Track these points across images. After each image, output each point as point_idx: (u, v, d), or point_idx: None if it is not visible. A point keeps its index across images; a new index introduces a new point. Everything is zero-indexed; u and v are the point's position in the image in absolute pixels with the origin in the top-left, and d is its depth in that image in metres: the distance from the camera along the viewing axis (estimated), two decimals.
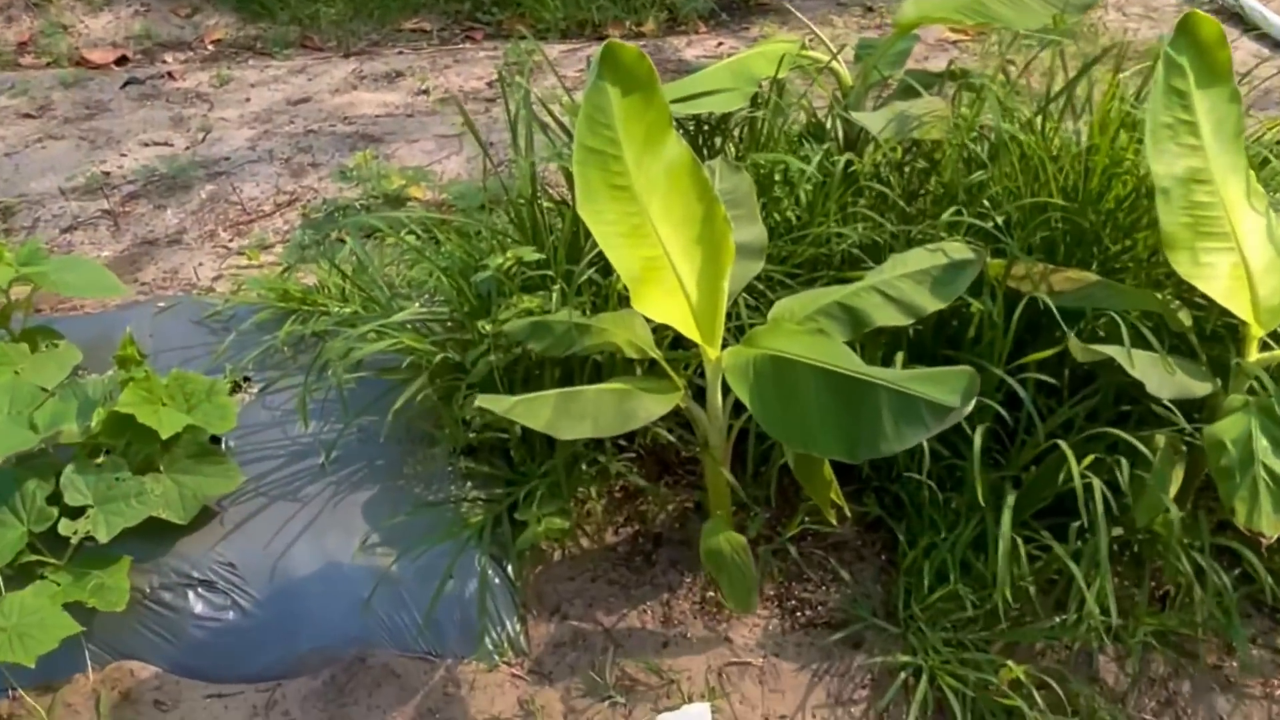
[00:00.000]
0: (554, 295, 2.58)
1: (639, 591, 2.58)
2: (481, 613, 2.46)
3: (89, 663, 2.46)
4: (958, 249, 2.37)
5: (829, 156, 2.76)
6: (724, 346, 2.18)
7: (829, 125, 3.09)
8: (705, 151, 3.07)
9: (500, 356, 2.56)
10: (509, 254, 2.61)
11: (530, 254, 2.62)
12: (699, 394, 2.38)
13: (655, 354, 2.30)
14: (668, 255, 2.13)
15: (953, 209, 2.55)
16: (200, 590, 2.53)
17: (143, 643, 2.48)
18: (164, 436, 2.49)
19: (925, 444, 2.26)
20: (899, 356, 2.36)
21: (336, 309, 3.19)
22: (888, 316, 2.23)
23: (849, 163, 2.70)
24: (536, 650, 2.47)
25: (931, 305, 2.26)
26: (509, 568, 2.58)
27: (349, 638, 2.47)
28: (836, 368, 1.92)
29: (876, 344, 2.44)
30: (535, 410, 2.01)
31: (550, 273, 2.65)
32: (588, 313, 2.61)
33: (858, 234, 2.60)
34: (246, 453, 2.84)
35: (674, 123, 2.17)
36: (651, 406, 2.12)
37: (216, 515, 2.66)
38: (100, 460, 2.54)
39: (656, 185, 2.14)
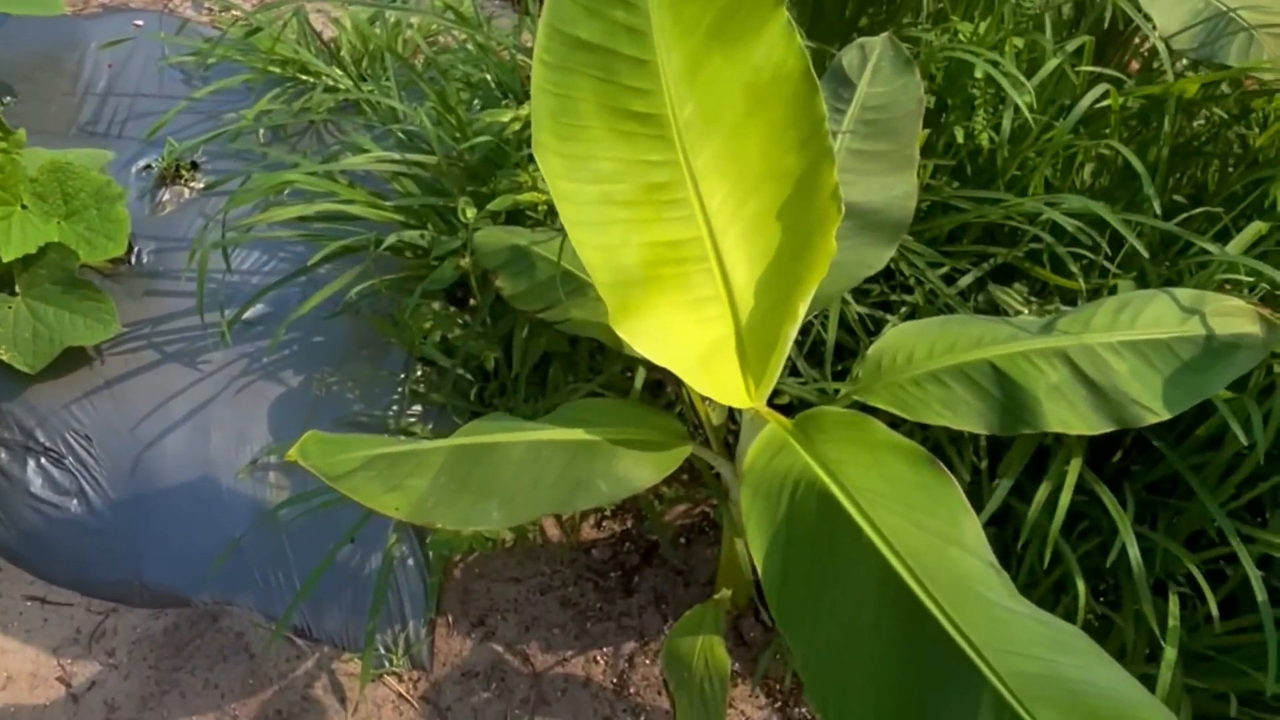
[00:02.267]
0: None
1: (599, 628, 1.84)
2: (378, 602, 1.78)
3: None
4: (1235, 310, 1.35)
5: (1074, 61, 1.67)
6: (774, 397, 1.29)
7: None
8: (844, 13, 1.94)
9: (475, 262, 1.72)
10: (522, 110, 1.69)
11: None
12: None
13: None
14: (711, 236, 1.20)
15: (1256, 229, 1.47)
16: (43, 462, 1.91)
17: None
18: (6, 258, 1.78)
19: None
20: (1070, 466, 1.41)
21: (345, 88, 2.34)
22: (1073, 420, 1.29)
23: (1105, 85, 1.60)
24: (440, 671, 1.80)
25: (1158, 412, 1.29)
26: (429, 551, 1.86)
27: (205, 581, 1.84)
28: (926, 595, 0.99)
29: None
30: (401, 474, 1.18)
31: None
32: None
33: (1067, 220, 1.55)
34: (158, 275, 2.12)
35: None
36: (631, 471, 1.27)
37: (89, 362, 1.99)
38: None
39: (722, 112, 1.18)
